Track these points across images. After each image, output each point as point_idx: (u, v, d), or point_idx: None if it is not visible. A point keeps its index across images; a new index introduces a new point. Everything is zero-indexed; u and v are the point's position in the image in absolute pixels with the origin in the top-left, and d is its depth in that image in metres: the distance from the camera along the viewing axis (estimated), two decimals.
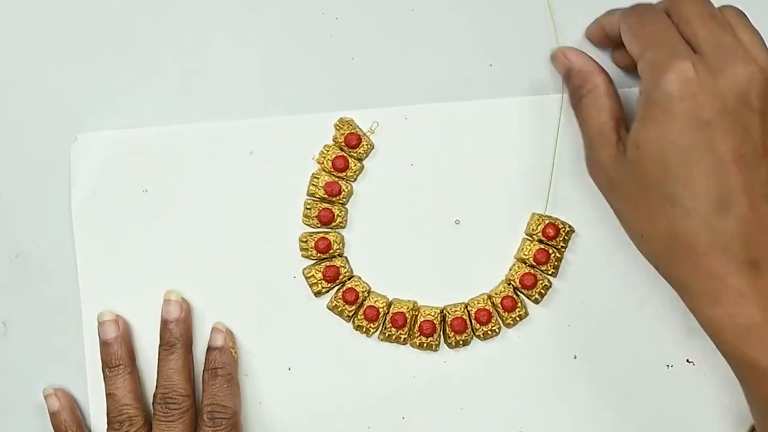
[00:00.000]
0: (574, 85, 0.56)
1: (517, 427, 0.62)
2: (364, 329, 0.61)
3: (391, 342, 0.62)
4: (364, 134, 0.62)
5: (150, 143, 0.62)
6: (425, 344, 0.61)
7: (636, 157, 0.49)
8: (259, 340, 0.61)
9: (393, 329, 0.61)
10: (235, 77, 0.63)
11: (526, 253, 0.60)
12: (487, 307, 0.61)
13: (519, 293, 0.61)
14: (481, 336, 0.61)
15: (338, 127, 0.61)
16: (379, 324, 0.61)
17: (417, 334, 0.61)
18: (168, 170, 0.62)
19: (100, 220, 0.62)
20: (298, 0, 0.63)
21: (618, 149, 0.51)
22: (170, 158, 0.62)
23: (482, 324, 0.61)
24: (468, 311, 0.61)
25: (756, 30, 0.51)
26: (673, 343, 0.61)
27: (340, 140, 0.61)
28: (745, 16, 0.52)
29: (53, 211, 0.62)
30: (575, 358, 0.62)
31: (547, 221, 0.60)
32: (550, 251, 0.60)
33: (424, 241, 0.61)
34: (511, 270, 0.61)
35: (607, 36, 0.58)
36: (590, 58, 0.57)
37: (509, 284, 0.61)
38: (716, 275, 0.48)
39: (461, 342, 0.61)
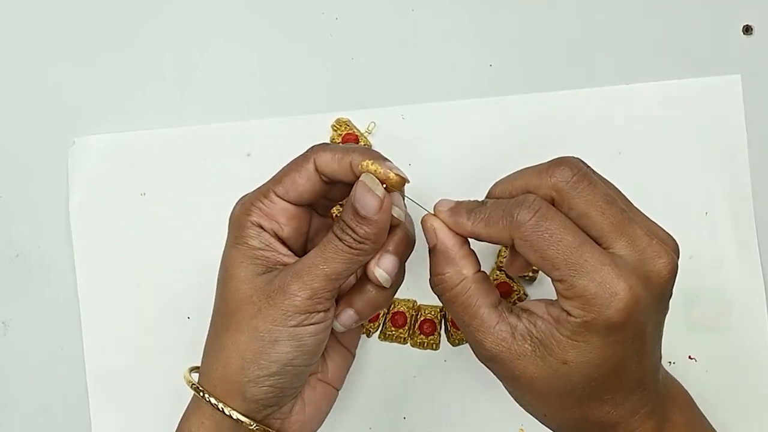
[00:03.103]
0: (436, 270, 0.49)
1: (518, 425, 0.61)
2: (364, 329, 0.61)
3: (391, 342, 0.61)
4: (362, 134, 0.62)
5: (147, 146, 0.62)
6: (426, 343, 0.61)
7: (558, 369, 0.46)
8: None
9: (393, 329, 0.61)
10: (234, 78, 0.63)
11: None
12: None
13: (511, 276, 0.61)
14: None
15: (335, 128, 0.61)
16: (380, 324, 0.61)
17: (417, 334, 0.61)
18: (166, 173, 0.62)
19: (98, 223, 0.62)
20: (297, 0, 0.63)
21: (519, 349, 0.46)
22: (167, 160, 0.62)
23: None
24: None
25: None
26: (675, 340, 0.61)
27: (338, 141, 0.61)
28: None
29: (53, 211, 0.63)
30: None
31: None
32: None
33: (422, 240, 0.61)
34: (498, 256, 0.61)
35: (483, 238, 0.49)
36: (459, 238, 0.49)
37: (501, 270, 0.61)
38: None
39: (464, 339, 0.61)
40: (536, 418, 0.50)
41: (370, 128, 0.62)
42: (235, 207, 0.52)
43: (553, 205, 0.46)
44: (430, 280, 0.49)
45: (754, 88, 0.62)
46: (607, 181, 0.48)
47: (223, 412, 0.48)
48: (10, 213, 0.63)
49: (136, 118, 0.63)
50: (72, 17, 0.63)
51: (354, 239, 0.48)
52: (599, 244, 0.45)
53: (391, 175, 0.48)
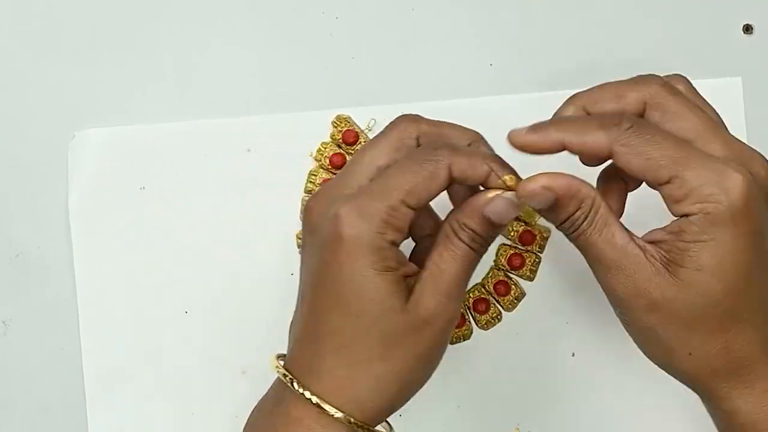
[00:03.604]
0: (568, 214, 0.47)
1: (514, 423, 0.61)
2: None
3: None
4: (362, 131, 0.62)
5: (147, 140, 0.62)
6: None
7: (695, 279, 0.45)
8: (257, 337, 0.61)
9: None
10: (234, 75, 0.63)
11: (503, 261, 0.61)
12: (483, 296, 0.61)
13: (510, 274, 0.61)
14: (484, 325, 0.61)
15: (336, 125, 0.62)
16: None
17: None
18: (165, 167, 0.62)
19: (98, 218, 0.62)
20: (299, 3, 0.63)
21: (654, 267, 0.46)
22: (168, 155, 0.62)
23: (482, 313, 0.61)
24: (465, 305, 0.61)
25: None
26: None
27: (338, 137, 0.61)
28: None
29: (53, 210, 0.63)
30: (573, 355, 0.61)
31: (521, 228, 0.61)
32: (526, 255, 0.61)
33: None
34: (498, 255, 0.62)
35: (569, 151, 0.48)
36: (564, 174, 0.47)
37: (499, 269, 0.61)
38: None
39: (462, 337, 0.61)
40: (678, 367, 0.48)
41: (370, 125, 0.62)
42: (356, 226, 0.46)
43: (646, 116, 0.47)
44: (561, 226, 0.48)
45: (754, 88, 0.62)
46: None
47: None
48: (10, 213, 0.63)
49: (136, 117, 0.63)
50: (72, 13, 0.63)
51: (482, 244, 0.48)
52: None
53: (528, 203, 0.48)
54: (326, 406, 0.48)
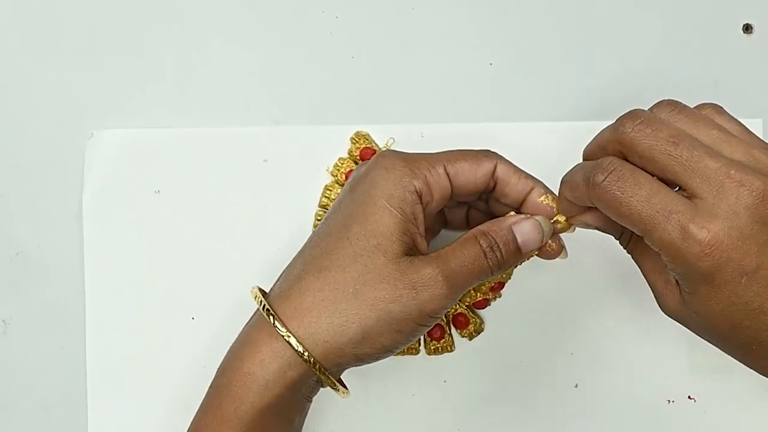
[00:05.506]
0: (617, 234, 0.50)
1: None
2: None
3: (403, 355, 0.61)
4: (379, 149, 0.61)
5: (165, 144, 0.62)
6: (440, 348, 0.61)
7: (700, 322, 0.46)
8: None
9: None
10: (234, 75, 0.63)
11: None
12: (479, 297, 0.60)
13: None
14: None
15: (354, 141, 0.61)
16: None
17: (429, 340, 0.61)
18: (181, 172, 0.62)
19: (110, 217, 0.62)
20: (299, 2, 0.63)
21: (678, 295, 0.47)
22: (184, 160, 0.62)
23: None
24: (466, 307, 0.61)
25: (730, 116, 0.47)
26: (676, 379, 0.61)
27: (355, 153, 0.61)
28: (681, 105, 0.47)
29: (53, 209, 0.62)
30: (576, 386, 0.61)
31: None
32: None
33: None
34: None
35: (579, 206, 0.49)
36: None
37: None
38: None
39: (471, 335, 0.61)
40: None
41: (388, 144, 0.62)
42: (391, 159, 0.50)
43: (627, 158, 0.45)
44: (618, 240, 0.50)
45: (754, 88, 0.62)
46: (696, 114, 0.46)
47: (319, 375, 0.48)
48: (10, 212, 0.63)
49: (135, 117, 0.63)
50: (72, 17, 0.63)
51: (499, 263, 0.49)
52: (678, 187, 0.44)
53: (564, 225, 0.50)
54: (278, 324, 0.48)
